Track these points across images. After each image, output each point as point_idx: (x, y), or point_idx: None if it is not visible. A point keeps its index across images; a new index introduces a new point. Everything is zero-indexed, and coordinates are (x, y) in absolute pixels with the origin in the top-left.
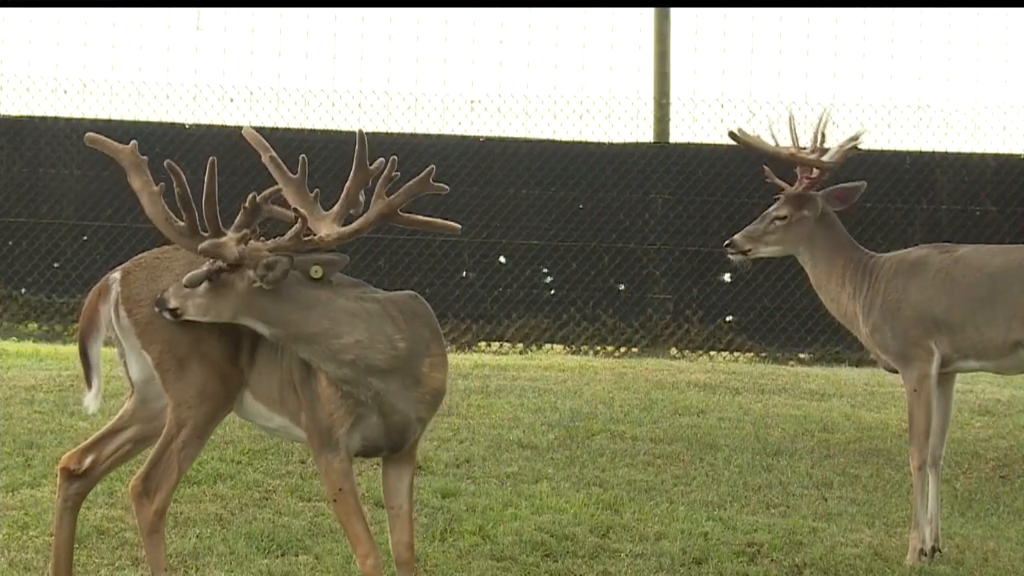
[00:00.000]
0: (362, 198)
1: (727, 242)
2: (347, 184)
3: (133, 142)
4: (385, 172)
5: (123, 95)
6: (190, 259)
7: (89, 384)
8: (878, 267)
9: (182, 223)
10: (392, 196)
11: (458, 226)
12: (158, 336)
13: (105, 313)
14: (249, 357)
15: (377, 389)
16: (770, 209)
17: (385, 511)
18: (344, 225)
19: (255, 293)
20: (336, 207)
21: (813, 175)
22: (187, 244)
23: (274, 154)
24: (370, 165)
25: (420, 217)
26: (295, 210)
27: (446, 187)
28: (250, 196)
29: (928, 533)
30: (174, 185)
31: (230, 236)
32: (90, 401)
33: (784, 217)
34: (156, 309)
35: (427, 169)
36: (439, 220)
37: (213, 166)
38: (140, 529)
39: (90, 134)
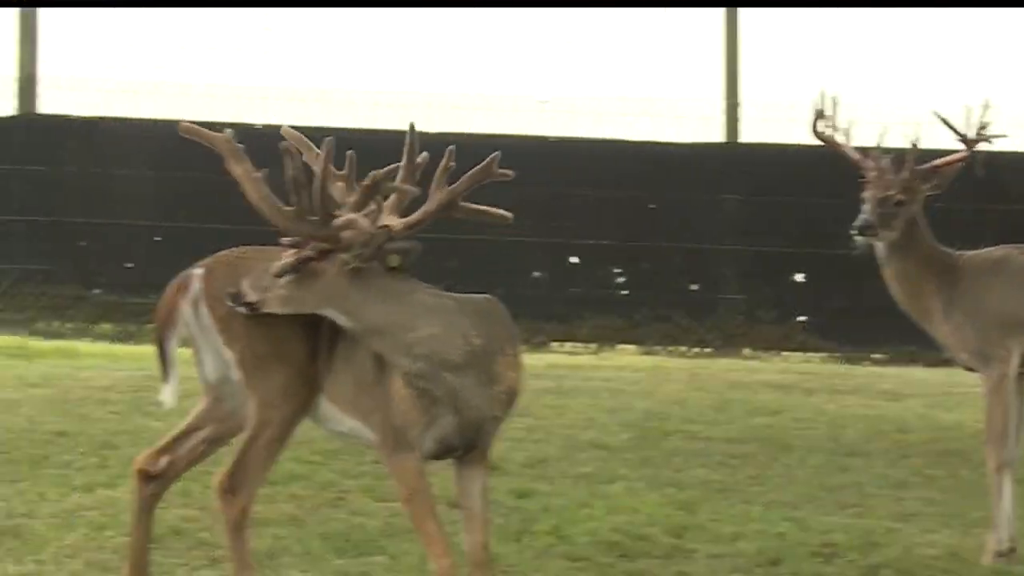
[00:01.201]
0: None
1: (864, 223)
2: (399, 177)
3: (228, 130)
4: (444, 162)
5: (194, 96)
6: (273, 258)
7: (166, 379)
8: (961, 265)
9: (289, 208)
10: (454, 184)
11: (510, 216)
12: (241, 334)
13: (184, 308)
14: (326, 358)
15: (452, 385)
16: (880, 193)
17: (458, 511)
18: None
19: (341, 279)
20: (390, 200)
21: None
22: (295, 228)
23: (320, 151)
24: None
25: (475, 206)
26: (398, 188)
27: (510, 173)
28: (370, 174)
29: (1005, 534)
30: (289, 167)
31: (359, 215)
32: (167, 396)
33: (903, 202)
34: (230, 304)
35: (491, 156)
36: (494, 209)
37: (329, 146)
38: (226, 526)
39: (184, 123)
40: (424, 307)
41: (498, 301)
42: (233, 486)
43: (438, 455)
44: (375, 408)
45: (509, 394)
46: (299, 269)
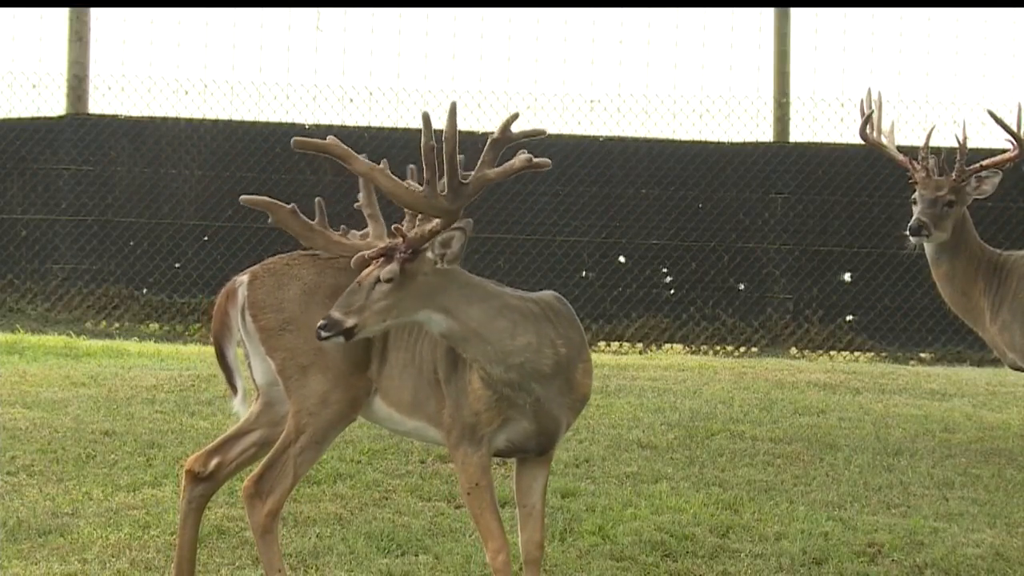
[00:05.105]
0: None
1: (918, 224)
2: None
3: (330, 136)
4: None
5: (243, 95)
6: (320, 268)
7: (233, 388)
8: (1008, 265)
9: (420, 187)
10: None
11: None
12: (282, 343)
13: (234, 316)
14: (379, 364)
15: (538, 395)
16: (931, 194)
17: (510, 509)
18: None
19: (438, 277)
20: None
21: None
22: (428, 207)
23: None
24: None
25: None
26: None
27: (544, 131)
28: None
29: None
30: (423, 140)
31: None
32: (238, 406)
33: (953, 203)
34: (325, 336)
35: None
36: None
37: (454, 111)
38: (253, 531)
39: (297, 139)
40: (519, 312)
41: (564, 299)
42: (260, 491)
43: (507, 454)
44: (441, 407)
45: (582, 401)
46: (405, 271)
